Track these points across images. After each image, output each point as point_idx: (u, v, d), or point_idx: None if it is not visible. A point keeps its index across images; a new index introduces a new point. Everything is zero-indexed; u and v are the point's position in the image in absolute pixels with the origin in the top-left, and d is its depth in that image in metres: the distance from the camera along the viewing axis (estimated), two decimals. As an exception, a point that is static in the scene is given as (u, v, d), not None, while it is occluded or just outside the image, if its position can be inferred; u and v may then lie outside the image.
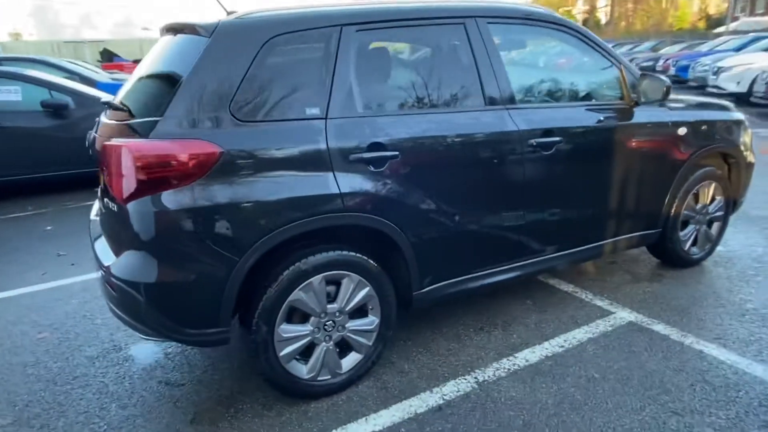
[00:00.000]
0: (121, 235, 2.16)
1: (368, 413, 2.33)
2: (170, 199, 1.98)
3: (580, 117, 2.90)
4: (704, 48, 19.18)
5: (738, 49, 16.18)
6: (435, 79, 2.57)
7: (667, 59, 19.30)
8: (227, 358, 2.76)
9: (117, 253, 2.19)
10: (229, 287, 2.10)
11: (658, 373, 2.52)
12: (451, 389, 2.47)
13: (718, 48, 17.77)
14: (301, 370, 2.35)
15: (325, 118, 2.22)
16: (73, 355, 2.85)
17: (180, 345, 2.86)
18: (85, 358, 2.81)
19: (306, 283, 2.24)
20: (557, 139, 2.72)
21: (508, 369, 2.60)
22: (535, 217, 2.81)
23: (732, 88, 11.74)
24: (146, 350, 2.87)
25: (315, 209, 2.18)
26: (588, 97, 3.04)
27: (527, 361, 2.66)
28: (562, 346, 2.77)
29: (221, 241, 2.06)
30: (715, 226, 3.68)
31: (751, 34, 18.81)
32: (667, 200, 3.29)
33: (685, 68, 16.86)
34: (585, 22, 44.24)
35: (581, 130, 2.88)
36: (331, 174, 2.20)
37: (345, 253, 2.31)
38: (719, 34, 30.28)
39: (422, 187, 2.41)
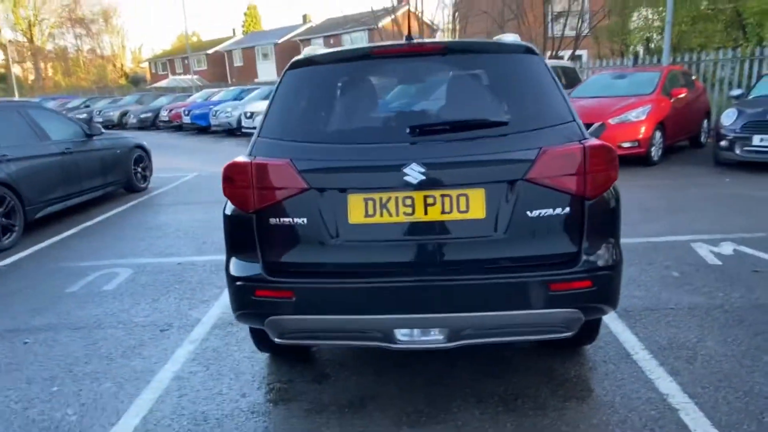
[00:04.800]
0: (572, 234, 2.23)
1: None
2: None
3: None
4: (198, 99, 20.49)
5: (235, 99, 17.88)
6: None
7: (174, 109, 19.80)
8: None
9: (565, 254, 2.23)
10: None
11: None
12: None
13: (216, 99, 19.12)
14: None
15: None
16: None
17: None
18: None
19: None
20: None
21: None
22: None
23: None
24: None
25: None
26: None
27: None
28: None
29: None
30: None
31: (238, 87, 21.00)
32: None
33: (203, 116, 17.39)
34: (2, 78, 43.16)
35: None
36: None
37: None
38: (147, 89, 35.30)
39: None
